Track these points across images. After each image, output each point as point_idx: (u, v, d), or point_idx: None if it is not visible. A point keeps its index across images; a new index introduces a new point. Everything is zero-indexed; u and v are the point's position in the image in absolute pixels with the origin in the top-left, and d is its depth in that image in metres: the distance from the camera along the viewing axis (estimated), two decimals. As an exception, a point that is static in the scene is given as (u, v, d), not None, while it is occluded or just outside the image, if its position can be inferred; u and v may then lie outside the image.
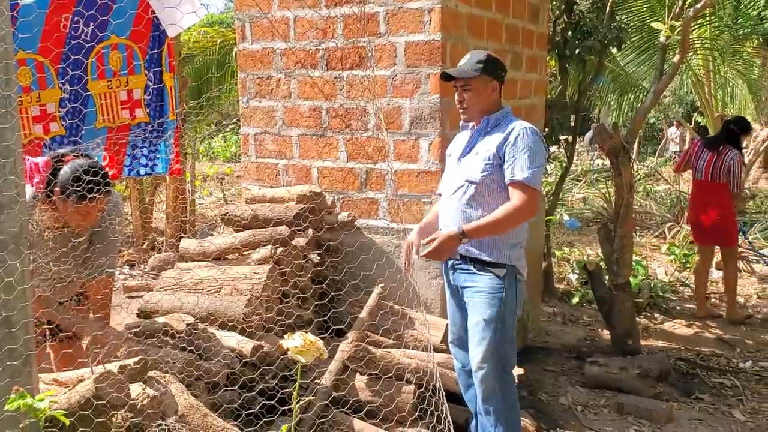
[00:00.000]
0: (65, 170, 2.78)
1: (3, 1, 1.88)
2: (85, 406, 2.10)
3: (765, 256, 6.74)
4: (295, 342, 1.87)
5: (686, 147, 16.47)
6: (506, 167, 2.92)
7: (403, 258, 3.21)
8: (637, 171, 13.76)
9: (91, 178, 2.71)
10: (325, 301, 3.54)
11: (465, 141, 3.13)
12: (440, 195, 3.25)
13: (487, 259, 2.97)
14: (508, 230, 2.95)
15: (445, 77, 3.09)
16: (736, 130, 5.75)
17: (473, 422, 3.21)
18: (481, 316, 2.96)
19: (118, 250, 3.09)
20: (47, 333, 3.16)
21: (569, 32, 5.68)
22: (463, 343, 3.14)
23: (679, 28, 3.99)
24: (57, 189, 2.76)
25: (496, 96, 3.08)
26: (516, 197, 2.90)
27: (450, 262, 3.11)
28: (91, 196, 2.73)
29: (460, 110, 3.10)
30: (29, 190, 2.76)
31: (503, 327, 2.95)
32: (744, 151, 5.94)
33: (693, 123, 15.67)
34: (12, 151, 1.96)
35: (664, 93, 11.53)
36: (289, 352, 1.90)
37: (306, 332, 1.92)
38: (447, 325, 3.52)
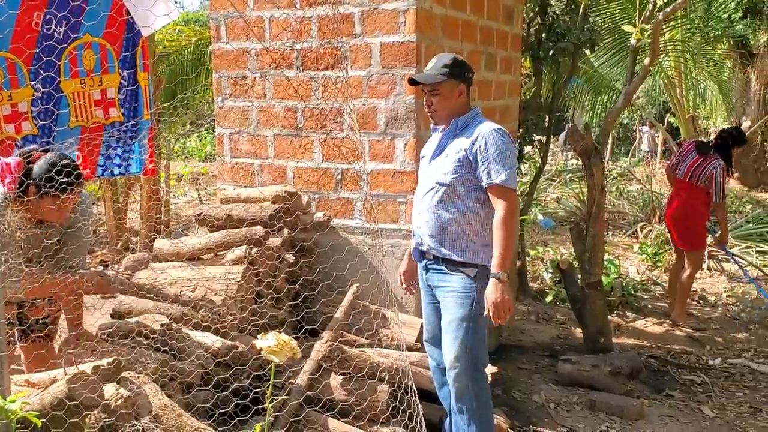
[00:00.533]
0: (39, 165, 2.79)
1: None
2: (57, 407, 2.09)
3: (740, 263, 6.83)
4: (269, 342, 1.88)
5: (658, 149, 16.76)
6: (481, 171, 2.94)
7: (401, 285, 3.37)
8: (610, 171, 13.92)
9: (64, 171, 2.74)
10: (299, 301, 3.55)
11: (435, 143, 3.16)
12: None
13: (459, 259, 3.00)
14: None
15: (412, 83, 3.11)
16: (727, 140, 5.70)
17: (447, 420, 3.24)
18: (454, 315, 3.00)
19: (89, 250, 3.08)
20: (18, 334, 3.13)
21: (543, 34, 5.74)
22: (437, 342, 3.17)
23: (650, 32, 4.06)
24: (32, 186, 2.76)
25: (464, 99, 3.10)
26: (499, 203, 2.92)
27: (423, 263, 3.15)
28: (66, 188, 2.76)
29: (429, 114, 3.14)
30: (0, 191, 2.74)
31: (475, 326, 2.99)
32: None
33: (666, 124, 15.87)
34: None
35: (637, 94, 11.69)
36: (262, 352, 1.91)
37: (279, 332, 1.93)
38: (422, 324, 3.55)
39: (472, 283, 2.99)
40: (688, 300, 5.99)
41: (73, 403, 2.09)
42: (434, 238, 3.04)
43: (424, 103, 3.13)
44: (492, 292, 2.86)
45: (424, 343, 3.32)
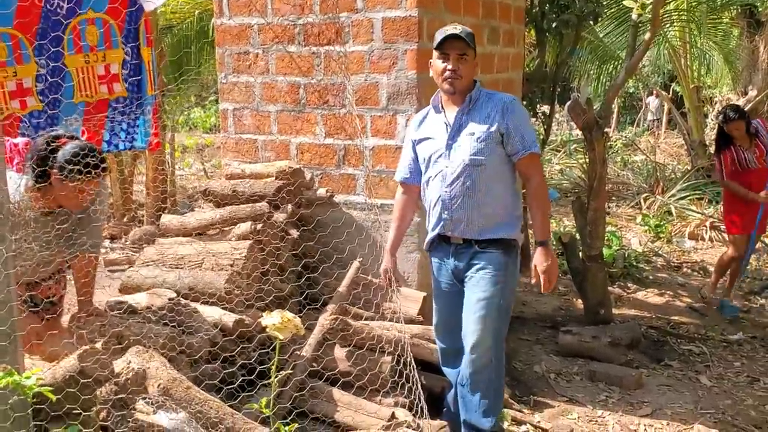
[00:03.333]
0: (65, 151, 2.80)
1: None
2: (69, 382, 2.16)
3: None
4: (273, 319, 1.94)
5: (663, 116, 16.65)
6: (513, 141, 2.90)
7: (383, 282, 3.25)
8: (615, 141, 13.89)
9: (90, 160, 2.76)
10: (304, 276, 3.61)
11: (443, 125, 3.02)
12: (402, 182, 3.21)
13: (495, 236, 2.96)
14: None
15: (444, 42, 2.90)
16: (720, 124, 5.50)
17: (452, 392, 3.24)
18: (484, 294, 2.94)
19: (102, 229, 3.13)
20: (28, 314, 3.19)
21: (546, 6, 5.71)
22: (454, 330, 3.10)
23: (650, 6, 4.05)
24: (55, 170, 2.78)
25: (476, 74, 3.05)
26: (533, 171, 2.95)
27: (449, 248, 3.05)
28: (91, 176, 2.78)
29: (449, 80, 2.94)
30: (18, 177, 2.78)
31: (505, 304, 2.97)
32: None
33: (671, 92, 15.76)
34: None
35: (643, 62, 11.59)
36: (267, 329, 1.97)
37: (284, 309, 1.99)
38: (423, 297, 3.62)
39: (504, 260, 2.96)
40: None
41: (84, 377, 2.16)
42: (470, 220, 2.95)
43: (449, 67, 2.92)
44: (541, 260, 2.89)
45: (435, 331, 3.24)
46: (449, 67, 2.92)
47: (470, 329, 2.96)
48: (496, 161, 2.93)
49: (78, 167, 2.75)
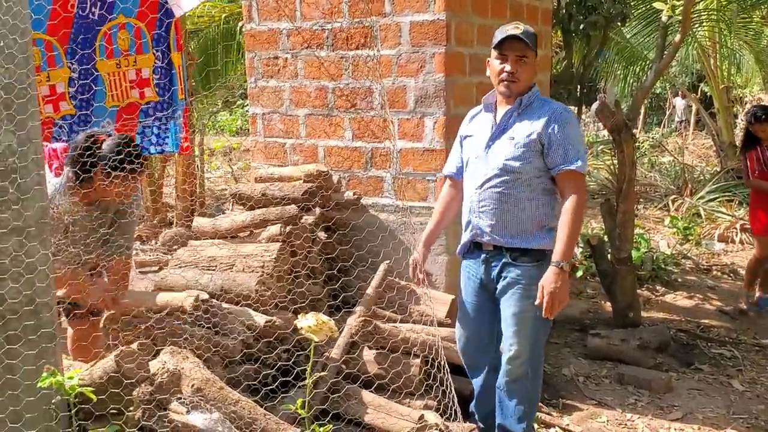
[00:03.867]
0: (108, 146, 2.87)
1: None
2: (107, 382, 2.21)
3: None
4: (308, 322, 1.97)
5: (691, 117, 16.45)
6: (554, 155, 2.76)
7: (411, 274, 3.16)
8: (642, 142, 13.77)
9: (133, 153, 2.85)
10: (332, 278, 3.64)
11: (490, 123, 2.92)
12: (449, 177, 3.16)
13: (526, 246, 2.85)
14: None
15: (501, 44, 2.79)
16: (747, 125, 5.45)
17: (475, 401, 3.25)
18: (519, 308, 2.87)
19: (135, 231, 3.20)
20: (65, 313, 3.26)
21: (573, 7, 5.69)
22: (480, 349, 3.08)
23: (681, 8, 4.02)
24: (100, 164, 2.85)
25: (535, 77, 2.91)
26: (570, 190, 2.77)
27: (482, 255, 2.97)
28: (136, 169, 2.87)
29: (506, 83, 2.82)
30: (56, 181, 2.84)
31: (541, 316, 2.81)
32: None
33: (699, 93, 15.58)
34: (32, 139, 2.04)
35: (671, 63, 11.46)
36: (302, 331, 2.00)
37: (318, 312, 2.02)
38: (452, 300, 3.63)
39: (538, 273, 2.81)
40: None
41: (121, 377, 2.20)
42: (498, 227, 2.87)
43: (506, 69, 2.81)
44: (550, 281, 2.71)
45: (458, 345, 3.18)
46: (507, 69, 2.80)
47: (507, 343, 2.93)
48: (531, 171, 2.81)
49: (123, 159, 2.81)
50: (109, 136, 2.97)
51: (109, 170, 2.83)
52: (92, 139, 2.90)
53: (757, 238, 5.51)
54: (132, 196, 3.01)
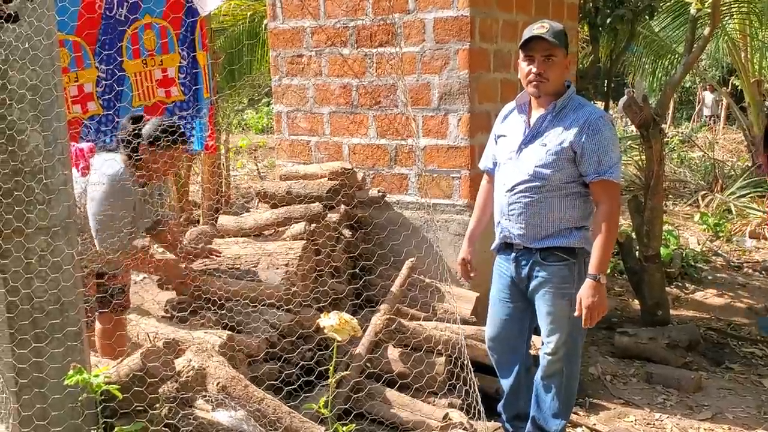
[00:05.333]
0: (149, 124, 3.13)
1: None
2: (133, 380, 2.23)
3: None
4: (331, 321, 1.97)
5: (722, 112, 16.17)
6: (587, 163, 2.71)
7: (461, 273, 3.16)
8: (671, 137, 13.57)
9: (172, 128, 3.11)
10: (357, 275, 3.64)
11: (522, 126, 2.88)
12: (486, 172, 3.12)
13: (554, 245, 2.82)
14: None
15: (527, 42, 2.74)
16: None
17: (503, 401, 3.21)
18: (552, 308, 2.86)
19: (150, 226, 3.48)
20: (98, 304, 3.30)
21: (600, 1, 5.62)
22: (507, 345, 3.06)
23: (710, 0, 3.94)
24: (144, 143, 3.09)
25: (567, 75, 2.84)
26: (604, 200, 2.73)
27: (512, 255, 2.95)
28: (176, 141, 3.12)
29: (534, 84, 2.77)
30: (83, 181, 2.94)
31: (576, 318, 2.78)
32: None
33: (729, 86, 15.30)
34: (58, 139, 2.05)
35: (700, 56, 11.29)
36: (325, 331, 2.00)
37: (341, 311, 2.01)
38: (476, 298, 3.61)
39: (570, 271, 2.81)
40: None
41: (147, 375, 2.22)
42: (526, 229, 2.84)
43: (533, 70, 2.75)
44: (587, 294, 2.69)
45: (487, 342, 3.16)
46: (534, 70, 2.75)
47: (544, 340, 2.95)
48: (562, 178, 2.76)
49: (165, 135, 3.06)
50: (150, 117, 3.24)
51: (155, 146, 3.07)
52: (136, 119, 3.14)
53: None
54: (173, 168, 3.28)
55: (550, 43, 2.71)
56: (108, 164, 2.99)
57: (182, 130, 3.17)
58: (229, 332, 2.90)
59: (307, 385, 2.87)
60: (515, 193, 2.84)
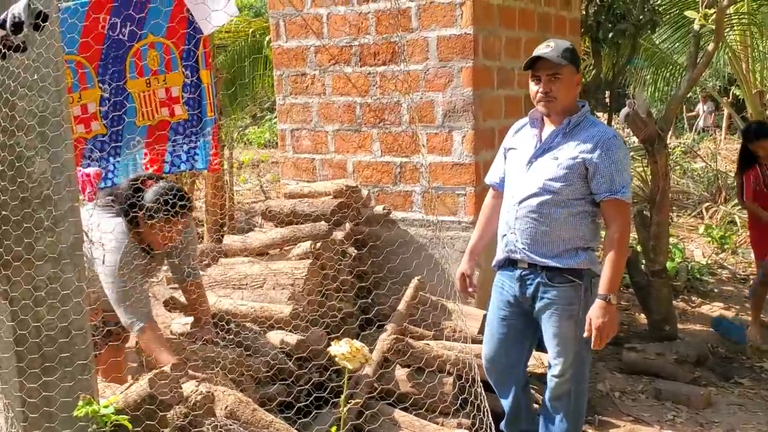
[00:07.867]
0: (148, 194, 2.87)
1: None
2: (141, 405, 2.21)
3: None
4: (342, 349, 1.95)
5: (712, 122, 16.10)
6: (599, 182, 2.71)
7: (458, 286, 3.12)
8: (674, 148, 13.56)
9: (172, 199, 2.83)
10: (363, 294, 3.63)
11: (534, 140, 2.88)
12: (492, 187, 3.11)
13: (560, 265, 2.79)
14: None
15: (529, 65, 2.79)
16: (743, 140, 5.16)
17: (506, 419, 3.19)
18: (558, 330, 2.84)
19: (194, 258, 3.25)
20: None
21: (602, 15, 5.63)
22: (504, 366, 3.04)
23: (713, 16, 3.94)
24: (141, 213, 2.85)
25: (578, 91, 2.87)
26: (615, 219, 2.73)
27: (515, 272, 2.91)
28: (176, 214, 2.85)
29: (543, 103, 2.79)
30: (90, 206, 2.86)
31: (583, 338, 2.76)
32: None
33: (731, 96, 15.29)
34: (65, 171, 2.04)
35: (701, 68, 11.27)
36: (336, 359, 1.98)
37: (352, 339, 2.00)
38: (484, 315, 3.58)
39: (576, 293, 2.79)
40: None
41: (156, 401, 2.20)
42: (533, 245, 2.82)
43: (540, 90, 2.77)
44: (597, 315, 2.67)
45: (485, 363, 3.11)
46: (541, 90, 2.78)
47: (551, 362, 2.93)
48: (572, 193, 2.75)
49: (162, 209, 2.81)
50: (156, 179, 2.97)
51: (151, 215, 2.83)
52: (135, 184, 2.91)
53: (759, 262, 5.13)
54: (184, 232, 3.00)
55: (554, 62, 2.72)
56: (108, 238, 2.83)
57: (185, 195, 2.91)
58: (238, 351, 2.88)
59: (318, 401, 2.85)
60: (523, 206, 2.82)
